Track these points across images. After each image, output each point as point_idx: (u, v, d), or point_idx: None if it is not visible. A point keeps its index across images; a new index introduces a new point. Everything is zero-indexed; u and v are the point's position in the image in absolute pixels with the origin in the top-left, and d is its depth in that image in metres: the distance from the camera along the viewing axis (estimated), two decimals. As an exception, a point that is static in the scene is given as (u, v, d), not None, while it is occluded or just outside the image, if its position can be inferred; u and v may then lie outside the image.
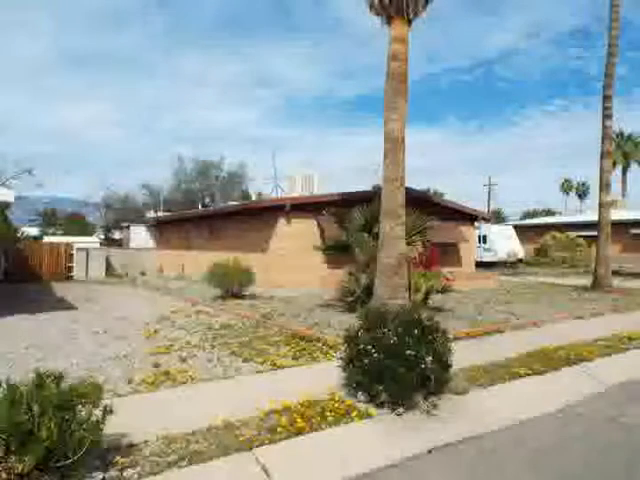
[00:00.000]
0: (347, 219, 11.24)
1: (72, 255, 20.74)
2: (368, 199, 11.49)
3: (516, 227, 35.19)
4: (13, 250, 19.93)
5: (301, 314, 9.92)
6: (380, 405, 4.46)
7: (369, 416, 4.29)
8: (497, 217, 57.78)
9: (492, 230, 30.66)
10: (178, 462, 3.41)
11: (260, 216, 16.42)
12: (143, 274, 22.29)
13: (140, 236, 28.32)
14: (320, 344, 7.04)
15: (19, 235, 25.46)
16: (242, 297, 12.64)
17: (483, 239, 29.73)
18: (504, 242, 30.23)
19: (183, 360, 6.20)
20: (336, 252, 12.38)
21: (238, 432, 3.89)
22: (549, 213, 62.20)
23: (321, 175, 20.86)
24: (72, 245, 21.22)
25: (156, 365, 5.91)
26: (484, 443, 4.06)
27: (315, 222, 15.76)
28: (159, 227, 27.19)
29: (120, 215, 39.29)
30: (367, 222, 10.93)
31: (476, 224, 22.50)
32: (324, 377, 5.28)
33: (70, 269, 20.65)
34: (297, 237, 15.42)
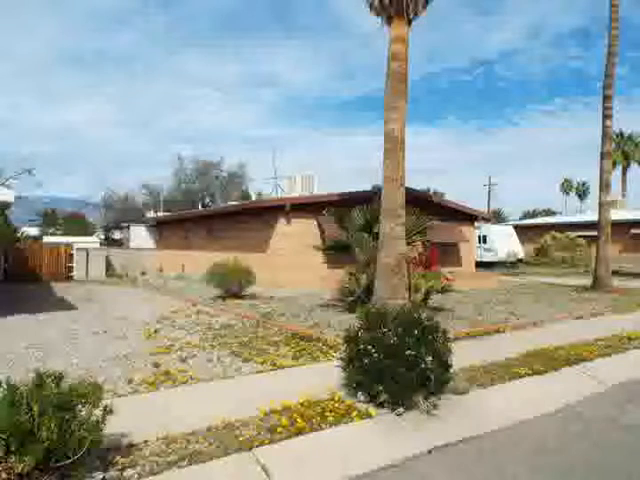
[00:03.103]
0: (347, 219, 11.24)
1: (72, 255, 20.74)
2: (368, 199, 11.48)
3: (516, 227, 35.18)
4: (13, 250, 19.93)
5: (301, 314, 9.92)
6: (380, 405, 4.46)
7: (369, 416, 4.29)
8: (497, 217, 57.81)
9: (492, 230, 30.65)
10: (178, 462, 3.41)
11: (260, 216, 16.42)
12: (143, 274, 22.28)
13: (140, 236, 28.31)
14: (320, 344, 7.04)
15: (19, 235, 25.44)
16: (242, 297, 12.63)
17: (483, 239, 29.71)
18: (504, 242, 30.21)
19: (183, 360, 6.20)
20: (336, 252, 12.39)
21: (238, 432, 3.89)
22: (549, 213, 62.23)
23: (321, 175, 20.90)
24: (72, 245, 21.21)
25: (156, 365, 5.91)
26: (484, 443, 4.06)
27: (315, 222, 15.76)
28: (159, 227, 27.19)
29: (120, 215, 39.28)
30: (367, 222, 10.92)
31: (476, 224, 22.51)
32: (324, 377, 5.28)
33: (70, 269, 20.64)
34: (297, 237, 15.42)
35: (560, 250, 30.67)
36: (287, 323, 8.84)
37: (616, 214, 33.25)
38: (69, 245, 21.20)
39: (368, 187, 24.76)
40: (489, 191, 54.79)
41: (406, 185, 9.41)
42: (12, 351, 6.62)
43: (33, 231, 36.42)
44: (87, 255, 21.01)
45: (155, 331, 8.13)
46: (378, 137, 9.51)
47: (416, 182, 67.69)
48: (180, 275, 21.00)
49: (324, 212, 12.30)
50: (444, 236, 17.66)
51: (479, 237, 28.91)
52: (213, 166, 45.47)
